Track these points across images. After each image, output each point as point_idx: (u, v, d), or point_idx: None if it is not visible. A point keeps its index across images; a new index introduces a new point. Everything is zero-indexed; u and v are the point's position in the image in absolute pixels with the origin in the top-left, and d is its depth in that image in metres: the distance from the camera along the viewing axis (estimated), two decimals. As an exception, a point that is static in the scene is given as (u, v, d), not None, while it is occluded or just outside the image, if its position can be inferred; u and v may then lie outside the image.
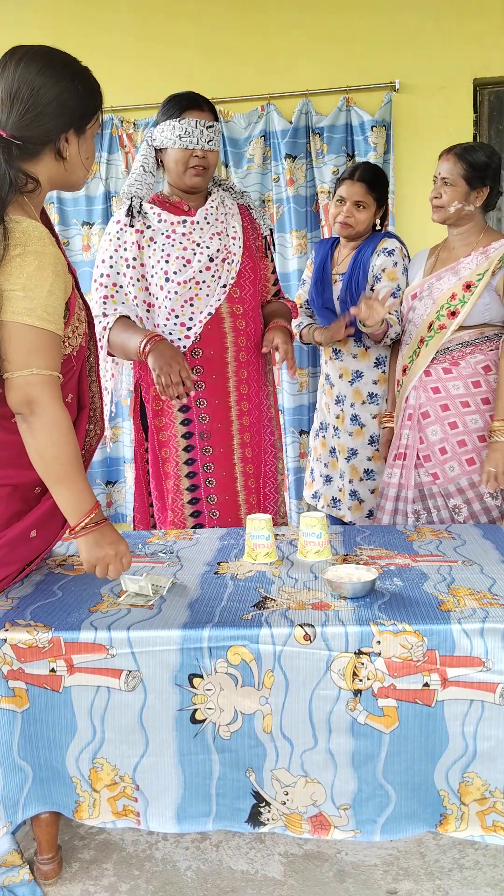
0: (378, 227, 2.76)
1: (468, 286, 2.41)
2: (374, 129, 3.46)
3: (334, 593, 1.60)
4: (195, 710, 1.49)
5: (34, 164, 1.56)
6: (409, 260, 2.70)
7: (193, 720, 1.49)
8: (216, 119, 2.30)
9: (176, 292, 2.27)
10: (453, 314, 2.43)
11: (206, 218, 2.34)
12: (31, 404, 1.48)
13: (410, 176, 3.52)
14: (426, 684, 1.44)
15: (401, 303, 2.61)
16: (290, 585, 1.67)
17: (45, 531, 1.72)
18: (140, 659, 1.47)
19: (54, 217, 3.78)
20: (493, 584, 1.63)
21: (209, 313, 2.30)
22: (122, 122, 3.67)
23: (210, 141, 2.25)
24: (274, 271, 2.58)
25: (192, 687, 1.48)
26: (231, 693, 1.47)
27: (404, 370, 2.56)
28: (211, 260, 2.30)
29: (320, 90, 3.51)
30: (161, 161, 2.34)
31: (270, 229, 2.57)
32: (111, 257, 2.33)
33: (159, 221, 2.31)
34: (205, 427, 2.34)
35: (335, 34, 3.51)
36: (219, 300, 2.31)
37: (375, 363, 2.71)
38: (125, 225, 2.32)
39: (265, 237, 2.51)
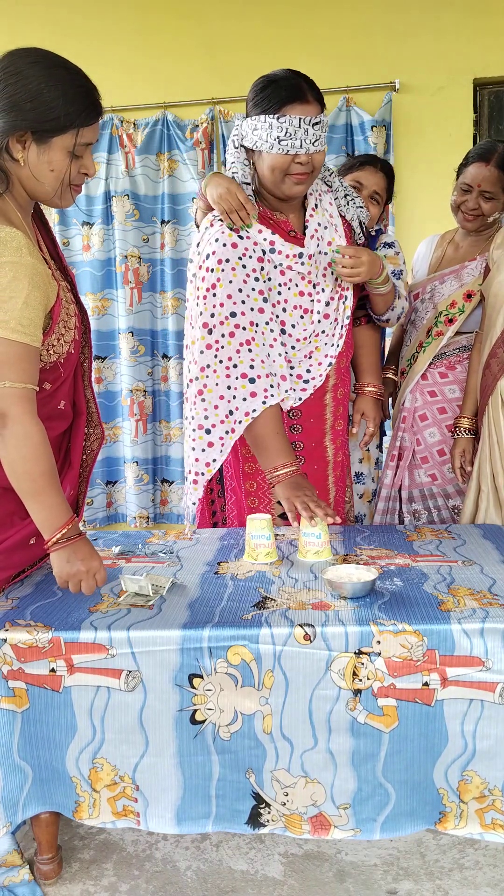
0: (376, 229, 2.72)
1: (469, 295, 2.40)
2: (374, 129, 3.46)
3: (334, 593, 1.60)
4: (195, 711, 1.49)
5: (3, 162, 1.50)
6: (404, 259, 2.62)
7: (193, 721, 1.49)
8: (323, 108, 1.82)
9: (293, 347, 1.97)
10: (451, 321, 2.42)
11: (318, 246, 1.97)
12: (3, 418, 1.45)
13: (411, 176, 3.52)
14: (426, 684, 1.44)
15: (406, 286, 2.44)
16: (290, 585, 1.67)
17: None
18: (140, 659, 1.47)
19: (54, 217, 3.78)
20: (493, 584, 1.63)
21: (329, 364, 2.01)
22: (122, 122, 3.68)
23: (317, 141, 1.79)
24: None
25: (192, 687, 1.48)
26: (231, 693, 1.47)
27: (402, 373, 2.56)
28: (327, 304, 1.98)
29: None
30: (252, 161, 1.90)
31: (359, 221, 2.11)
32: (241, 290, 1.87)
33: (272, 251, 1.92)
34: None
35: (335, 34, 3.52)
36: (337, 347, 2.01)
37: None
38: (246, 249, 1.89)
39: (357, 232, 2.12)
